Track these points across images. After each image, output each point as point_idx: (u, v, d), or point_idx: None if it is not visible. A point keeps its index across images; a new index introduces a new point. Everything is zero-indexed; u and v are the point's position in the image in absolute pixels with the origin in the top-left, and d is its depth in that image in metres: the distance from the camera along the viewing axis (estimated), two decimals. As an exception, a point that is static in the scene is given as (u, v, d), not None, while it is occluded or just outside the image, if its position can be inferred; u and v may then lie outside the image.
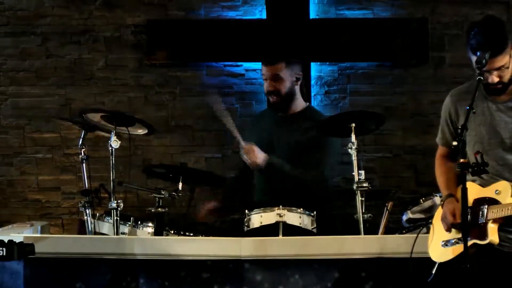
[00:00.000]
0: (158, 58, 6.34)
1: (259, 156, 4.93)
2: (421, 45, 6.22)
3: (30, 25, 6.44)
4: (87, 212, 4.99)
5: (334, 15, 6.34)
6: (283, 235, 4.54)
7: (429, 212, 4.95)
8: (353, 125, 4.70)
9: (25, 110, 6.46)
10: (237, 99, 6.39)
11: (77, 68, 6.45)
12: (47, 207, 6.48)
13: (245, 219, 4.71)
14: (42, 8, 6.44)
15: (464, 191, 3.54)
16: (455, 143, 3.54)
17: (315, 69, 6.34)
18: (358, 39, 6.22)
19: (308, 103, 5.31)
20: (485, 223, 3.72)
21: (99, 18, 6.43)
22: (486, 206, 3.75)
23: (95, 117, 5.05)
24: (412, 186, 6.30)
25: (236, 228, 4.98)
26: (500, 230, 3.72)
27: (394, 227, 5.27)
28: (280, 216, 4.61)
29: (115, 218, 4.83)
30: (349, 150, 4.68)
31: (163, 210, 4.93)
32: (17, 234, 4.93)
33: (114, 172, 4.88)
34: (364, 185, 4.65)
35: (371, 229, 4.82)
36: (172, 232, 4.95)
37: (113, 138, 4.87)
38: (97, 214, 5.04)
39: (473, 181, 3.84)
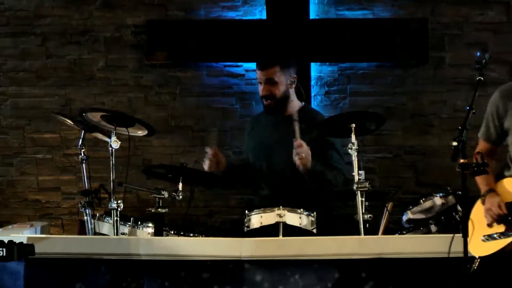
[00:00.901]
0: (158, 58, 6.34)
1: (310, 158, 4.92)
2: (421, 45, 6.22)
3: (30, 25, 6.44)
4: (87, 212, 4.99)
5: (334, 15, 6.33)
6: (283, 236, 4.55)
7: (429, 212, 4.95)
8: (353, 125, 4.71)
9: (25, 111, 6.46)
10: (237, 99, 6.38)
11: (77, 69, 6.44)
12: (47, 208, 6.48)
13: (245, 220, 4.72)
14: (42, 8, 6.44)
15: (464, 190, 3.54)
16: (455, 143, 3.54)
17: (315, 69, 6.34)
18: (358, 39, 6.21)
19: (303, 103, 5.32)
20: None
21: (99, 18, 6.43)
22: None
23: (95, 117, 5.05)
24: (412, 186, 6.29)
25: (236, 228, 4.99)
26: None
27: (394, 228, 5.27)
28: (280, 216, 4.61)
29: (115, 218, 4.83)
30: (349, 150, 4.69)
31: (163, 211, 4.93)
32: (17, 234, 4.93)
33: (114, 173, 4.88)
34: (364, 185, 4.65)
35: (371, 229, 4.82)
36: (172, 232, 4.95)
37: (113, 138, 4.87)
38: (97, 215, 5.04)
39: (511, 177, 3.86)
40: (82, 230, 5.46)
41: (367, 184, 4.66)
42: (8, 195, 6.48)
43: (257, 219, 4.67)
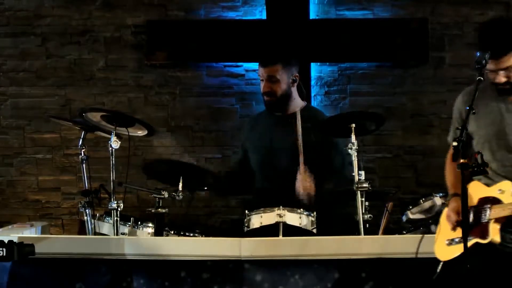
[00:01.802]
0: (158, 58, 6.34)
1: (312, 186, 4.93)
2: (421, 45, 6.22)
3: (30, 25, 6.44)
4: (87, 212, 4.99)
5: (334, 15, 6.33)
6: (283, 236, 4.54)
7: (429, 212, 4.95)
8: (353, 125, 4.71)
9: (25, 111, 6.46)
10: (237, 99, 6.39)
11: (77, 69, 6.44)
12: (47, 208, 6.48)
13: (245, 220, 4.72)
14: (42, 9, 6.44)
15: (464, 190, 3.54)
16: (455, 143, 3.54)
17: (315, 69, 6.34)
18: (358, 39, 6.22)
19: (306, 102, 5.32)
20: (488, 222, 3.73)
21: (99, 18, 6.43)
22: (489, 206, 3.75)
23: (95, 117, 5.05)
24: (412, 186, 6.29)
25: (236, 228, 4.99)
26: (502, 230, 3.72)
27: (394, 228, 5.27)
28: (280, 216, 4.61)
29: (115, 218, 4.83)
30: (349, 150, 4.69)
31: (163, 211, 4.93)
32: (17, 234, 4.93)
33: (114, 173, 4.88)
34: (364, 185, 4.66)
35: (371, 229, 4.82)
36: (172, 232, 4.95)
37: (113, 138, 4.87)
38: (97, 215, 5.04)
39: (479, 180, 3.85)
40: (82, 230, 5.46)
41: (367, 184, 4.66)
42: (8, 195, 6.48)
43: (257, 219, 4.66)
